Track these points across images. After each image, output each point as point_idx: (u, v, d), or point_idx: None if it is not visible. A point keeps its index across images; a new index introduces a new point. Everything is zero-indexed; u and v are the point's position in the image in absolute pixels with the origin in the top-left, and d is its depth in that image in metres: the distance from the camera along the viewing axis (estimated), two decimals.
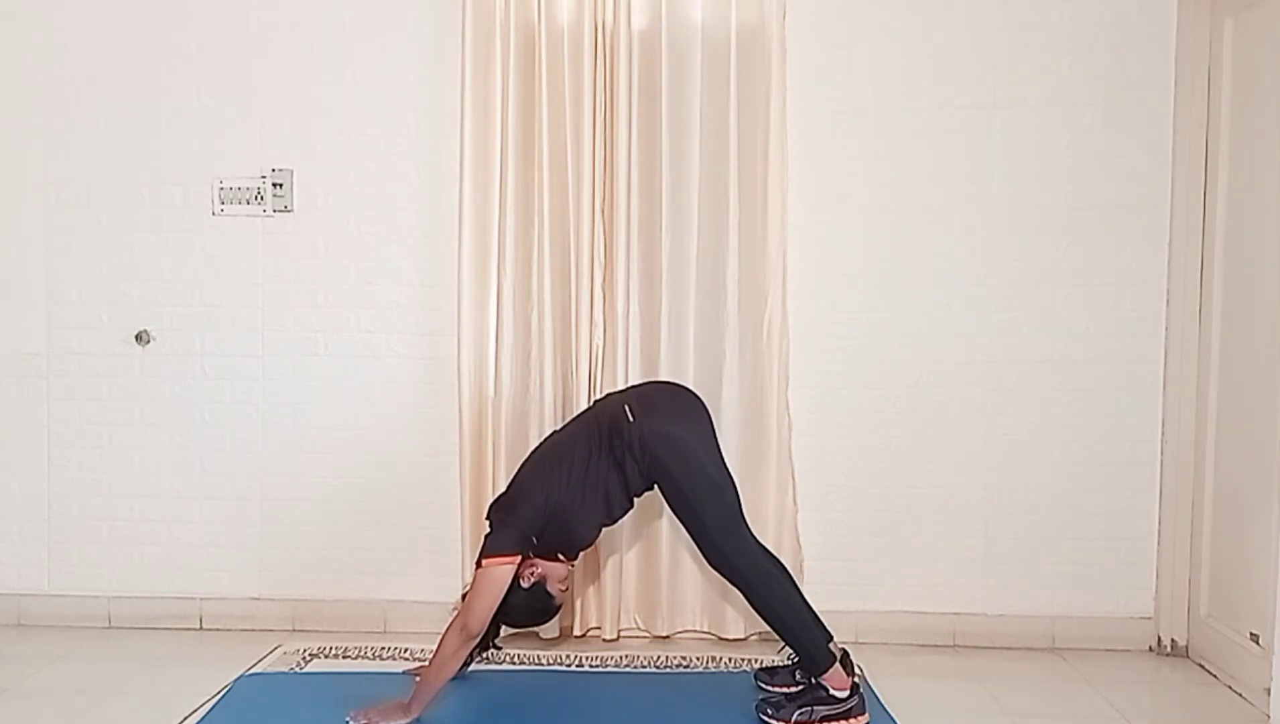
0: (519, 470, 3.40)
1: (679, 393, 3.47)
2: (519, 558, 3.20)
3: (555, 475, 3.25)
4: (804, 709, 3.21)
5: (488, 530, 3.28)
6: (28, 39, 4.17)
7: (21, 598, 4.24)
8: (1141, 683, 3.79)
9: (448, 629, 3.19)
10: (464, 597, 3.38)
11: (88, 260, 4.19)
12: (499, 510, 3.29)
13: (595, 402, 3.61)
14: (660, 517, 4.00)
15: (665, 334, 3.98)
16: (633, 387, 3.67)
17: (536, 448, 3.48)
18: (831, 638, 3.26)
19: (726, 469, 3.31)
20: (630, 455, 3.22)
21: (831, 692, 3.22)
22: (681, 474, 3.21)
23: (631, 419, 3.23)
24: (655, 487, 3.30)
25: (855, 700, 3.23)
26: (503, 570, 3.17)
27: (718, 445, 3.34)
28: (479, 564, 3.21)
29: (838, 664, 3.23)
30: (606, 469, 3.25)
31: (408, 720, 3.15)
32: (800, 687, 3.33)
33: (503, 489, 3.43)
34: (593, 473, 3.24)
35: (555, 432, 3.53)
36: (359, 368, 4.17)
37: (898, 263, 4.05)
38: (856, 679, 3.27)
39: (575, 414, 3.67)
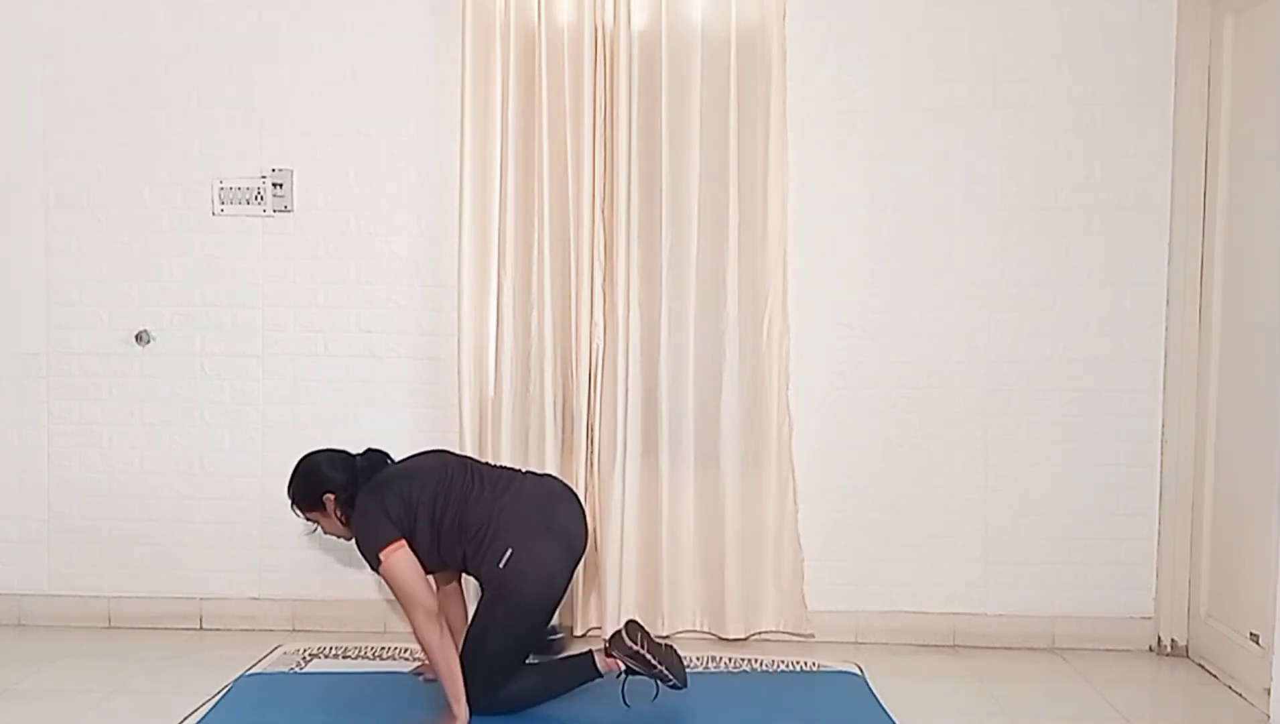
0: (426, 454, 3.44)
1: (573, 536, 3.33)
2: (403, 539, 3.15)
3: (437, 500, 3.21)
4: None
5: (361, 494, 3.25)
6: (28, 39, 4.17)
7: (21, 598, 4.24)
8: (1141, 683, 3.79)
9: (414, 629, 3.15)
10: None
11: (88, 260, 4.19)
12: (379, 486, 3.24)
13: (524, 481, 3.40)
14: (660, 517, 4.00)
15: (665, 334, 3.98)
16: (549, 511, 3.33)
17: (458, 461, 3.44)
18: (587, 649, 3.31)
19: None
20: (481, 567, 3.20)
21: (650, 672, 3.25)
22: (502, 613, 3.18)
23: (501, 566, 3.14)
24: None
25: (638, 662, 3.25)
26: (400, 556, 3.13)
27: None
28: (379, 564, 3.15)
29: (597, 657, 3.27)
30: (453, 547, 3.22)
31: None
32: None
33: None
34: (445, 538, 3.21)
35: (481, 467, 3.43)
36: (359, 368, 4.17)
37: (898, 263, 4.05)
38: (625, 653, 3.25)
39: (506, 471, 3.48)
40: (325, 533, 3.41)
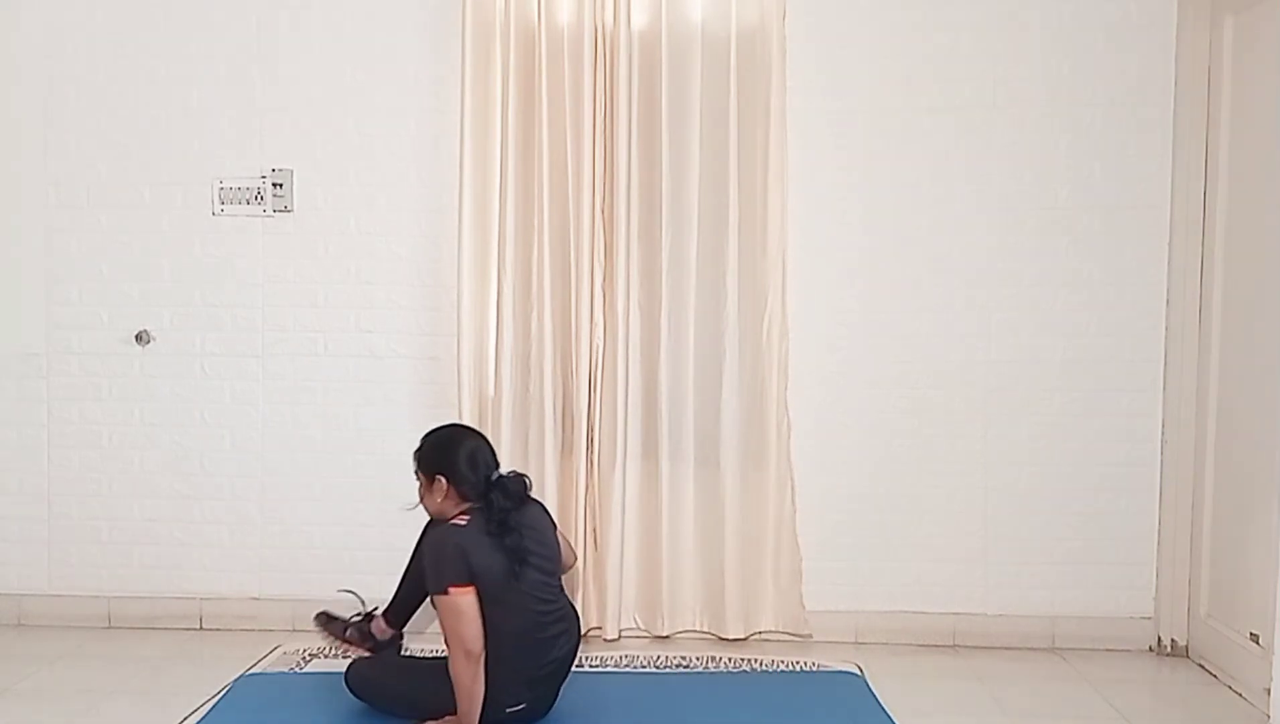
0: (548, 522, 3.33)
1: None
2: (473, 587, 3.07)
3: (529, 612, 3.16)
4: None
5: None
6: (28, 39, 4.17)
7: (21, 598, 4.24)
8: (1141, 683, 3.79)
9: (451, 663, 3.07)
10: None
11: (88, 260, 4.19)
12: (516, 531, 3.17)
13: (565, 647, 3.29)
14: (660, 517, 4.00)
15: (665, 334, 3.99)
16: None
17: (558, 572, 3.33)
18: None
19: None
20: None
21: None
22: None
23: (508, 708, 3.14)
24: None
25: None
26: (470, 599, 3.07)
27: None
28: (444, 592, 3.08)
29: None
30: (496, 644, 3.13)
31: None
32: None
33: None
34: (502, 636, 3.12)
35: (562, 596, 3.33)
36: (359, 368, 4.17)
37: (898, 263, 4.05)
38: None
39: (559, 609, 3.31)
40: (420, 495, 3.30)
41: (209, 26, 4.14)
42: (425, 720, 3.16)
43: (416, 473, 3.29)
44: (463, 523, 3.13)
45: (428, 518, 3.57)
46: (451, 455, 3.22)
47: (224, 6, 4.13)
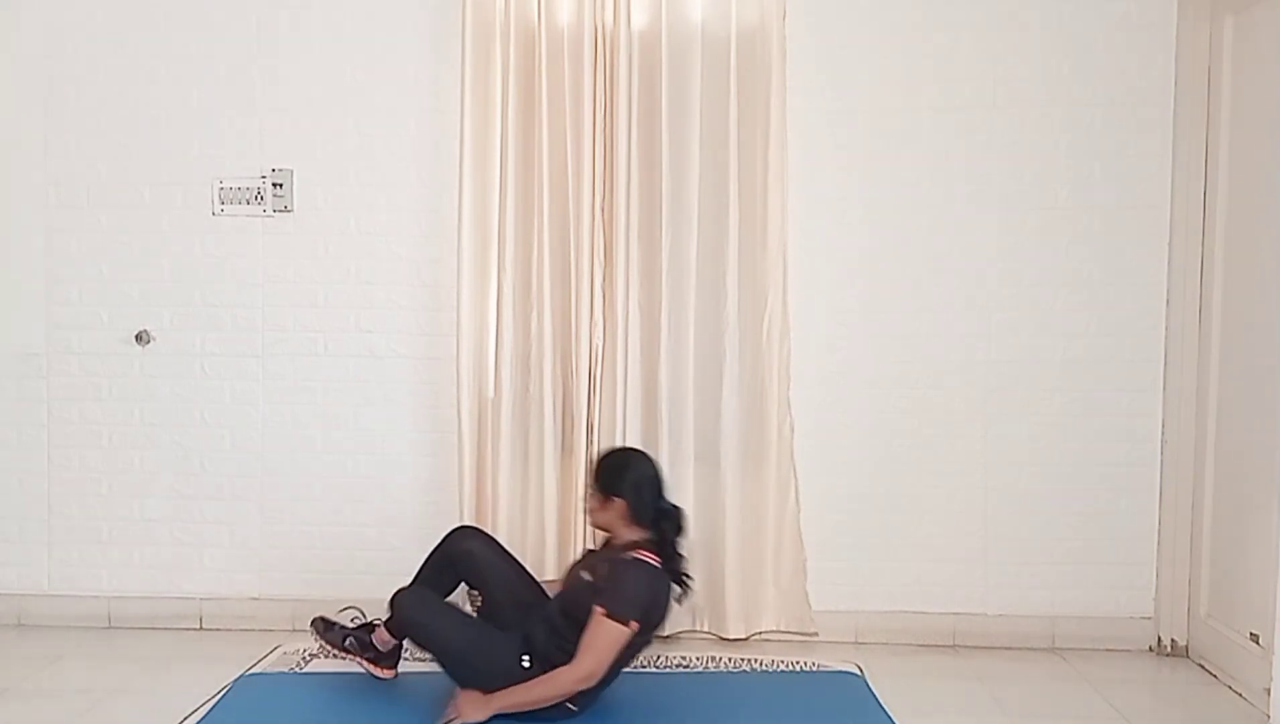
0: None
1: None
2: (638, 625, 3.17)
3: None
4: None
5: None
6: (28, 39, 4.17)
7: (21, 598, 4.24)
8: (1141, 683, 3.79)
9: (566, 676, 3.14)
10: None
11: (88, 260, 4.19)
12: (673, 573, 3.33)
13: None
14: None
15: (665, 334, 3.99)
16: None
17: None
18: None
19: None
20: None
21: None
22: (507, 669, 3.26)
23: (570, 704, 3.23)
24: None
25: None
26: (629, 633, 3.15)
27: None
28: (625, 622, 3.14)
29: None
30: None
31: (482, 719, 3.15)
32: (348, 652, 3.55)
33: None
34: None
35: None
36: (359, 368, 4.17)
37: (898, 263, 4.05)
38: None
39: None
40: (591, 507, 3.43)
41: (209, 26, 4.14)
42: (451, 701, 3.20)
43: (591, 487, 3.40)
44: (657, 565, 3.26)
45: (454, 526, 3.66)
46: (626, 479, 3.34)
47: (224, 6, 4.14)
